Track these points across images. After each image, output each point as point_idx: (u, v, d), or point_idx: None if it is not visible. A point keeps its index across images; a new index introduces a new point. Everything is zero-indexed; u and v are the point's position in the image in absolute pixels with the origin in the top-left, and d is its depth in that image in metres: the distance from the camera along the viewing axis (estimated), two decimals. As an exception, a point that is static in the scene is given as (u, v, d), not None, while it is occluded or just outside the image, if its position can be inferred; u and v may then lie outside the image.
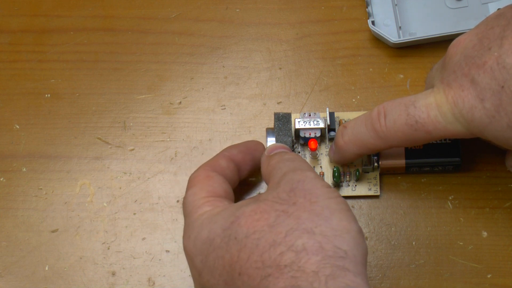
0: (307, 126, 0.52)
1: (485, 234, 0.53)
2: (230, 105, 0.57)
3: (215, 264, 0.43)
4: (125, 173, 0.55)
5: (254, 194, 0.54)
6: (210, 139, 0.56)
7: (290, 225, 0.41)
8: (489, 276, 0.52)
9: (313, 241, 0.40)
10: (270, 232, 0.41)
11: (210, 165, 0.50)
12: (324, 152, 0.54)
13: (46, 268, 0.53)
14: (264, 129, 0.55)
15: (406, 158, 0.53)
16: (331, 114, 0.54)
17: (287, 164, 0.46)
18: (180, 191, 0.55)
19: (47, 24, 0.59)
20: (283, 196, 0.43)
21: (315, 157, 0.53)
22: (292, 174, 0.44)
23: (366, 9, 0.58)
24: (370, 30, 0.57)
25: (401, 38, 0.56)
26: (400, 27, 0.57)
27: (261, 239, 0.41)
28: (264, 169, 0.48)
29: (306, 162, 0.47)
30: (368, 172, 0.53)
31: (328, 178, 0.53)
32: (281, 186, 0.44)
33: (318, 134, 0.52)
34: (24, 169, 0.56)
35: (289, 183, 0.44)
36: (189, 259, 0.46)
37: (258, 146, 0.52)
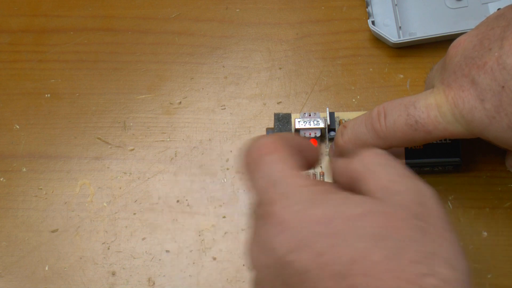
0: (307, 126, 0.52)
1: (485, 234, 0.53)
2: (230, 105, 0.57)
3: (333, 256, 0.37)
4: (125, 173, 0.55)
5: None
6: (210, 139, 0.56)
7: (431, 248, 0.37)
8: (489, 276, 0.52)
9: (454, 275, 0.37)
10: (410, 246, 0.37)
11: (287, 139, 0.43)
12: (324, 152, 0.54)
13: (46, 268, 0.53)
14: (264, 129, 0.55)
15: (406, 158, 0.53)
16: (331, 114, 0.54)
17: (412, 179, 0.40)
18: (180, 191, 0.55)
19: (47, 24, 0.59)
20: (416, 210, 0.38)
21: (315, 157, 0.54)
22: (424, 188, 0.40)
23: (366, 9, 0.58)
24: (370, 30, 0.57)
25: (401, 38, 0.56)
26: (400, 27, 0.57)
27: (400, 248, 0.37)
28: (356, 167, 0.42)
29: None
30: (368, 172, 0.53)
31: (328, 178, 0.53)
32: (410, 195, 0.39)
33: (318, 134, 0.52)
34: (24, 169, 0.56)
35: (420, 195, 0.39)
36: (281, 231, 0.38)
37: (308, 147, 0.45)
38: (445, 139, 0.53)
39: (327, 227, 0.37)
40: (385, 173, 0.40)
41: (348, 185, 0.41)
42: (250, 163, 0.42)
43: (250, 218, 0.42)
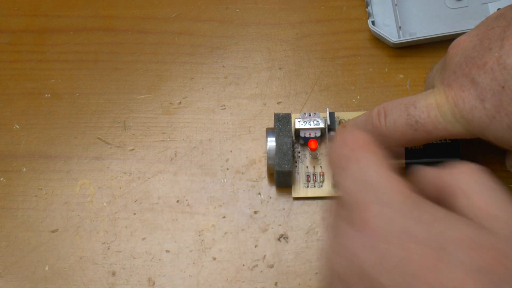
0: (307, 126, 0.52)
1: (485, 234, 0.53)
2: (230, 105, 0.57)
3: (426, 283, 0.34)
4: (125, 173, 0.55)
5: (255, 194, 0.54)
6: (210, 139, 0.56)
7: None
8: (489, 276, 0.52)
9: None
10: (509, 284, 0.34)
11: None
12: (324, 152, 0.54)
13: (46, 268, 0.53)
14: (264, 129, 0.55)
15: (406, 158, 0.53)
16: (331, 114, 0.54)
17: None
18: (180, 191, 0.55)
19: (47, 24, 0.59)
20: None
21: (315, 157, 0.53)
22: None
23: (366, 9, 0.58)
24: (370, 30, 0.57)
25: (401, 38, 0.56)
26: (400, 27, 0.57)
27: (500, 286, 0.34)
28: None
29: None
30: (368, 172, 0.53)
31: (328, 178, 0.53)
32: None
33: (318, 134, 0.52)
34: (24, 169, 0.56)
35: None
36: (371, 245, 0.35)
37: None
38: (445, 139, 0.53)
39: (422, 247, 0.34)
40: (483, 193, 0.37)
41: (434, 197, 0.38)
42: (340, 160, 0.38)
43: (330, 217, 0.38)
